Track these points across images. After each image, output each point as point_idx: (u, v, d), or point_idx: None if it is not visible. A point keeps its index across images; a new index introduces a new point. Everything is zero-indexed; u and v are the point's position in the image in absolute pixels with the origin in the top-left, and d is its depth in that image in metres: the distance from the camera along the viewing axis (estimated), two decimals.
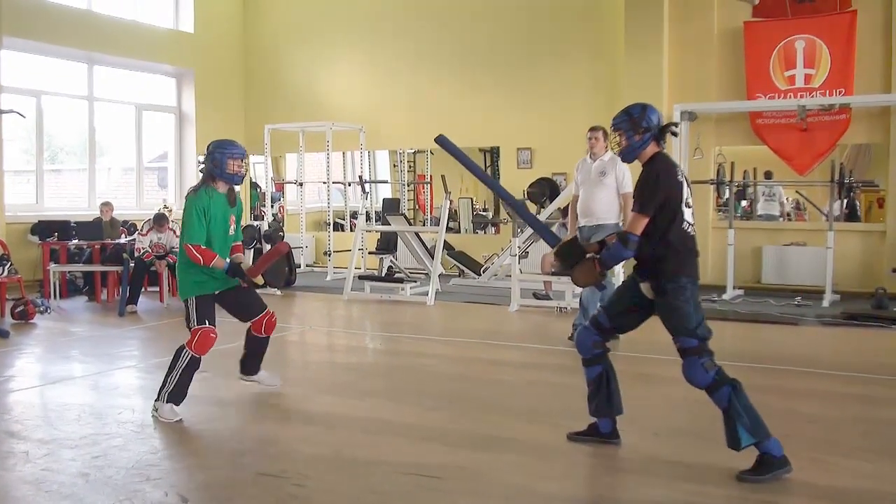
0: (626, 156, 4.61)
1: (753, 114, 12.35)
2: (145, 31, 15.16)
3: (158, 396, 5.47)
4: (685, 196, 4.47)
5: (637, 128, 4.51)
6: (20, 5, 13.00)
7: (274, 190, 16.49)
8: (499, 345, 8.21)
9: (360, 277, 12.18)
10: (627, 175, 7.72)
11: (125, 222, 13.32)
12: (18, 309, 9.61)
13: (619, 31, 13.12)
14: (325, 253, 14.76)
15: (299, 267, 14.58)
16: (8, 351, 8.11)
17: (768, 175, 13.74)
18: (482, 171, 5.49)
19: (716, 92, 12.57)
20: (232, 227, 5.75)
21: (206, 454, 4.91)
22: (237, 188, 5.85)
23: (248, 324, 6.02)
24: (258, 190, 17.24)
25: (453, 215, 15.73)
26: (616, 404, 4.83)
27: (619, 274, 9.00)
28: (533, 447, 4.86)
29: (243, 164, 5.59)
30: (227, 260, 5.66)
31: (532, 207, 13.05)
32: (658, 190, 4.39)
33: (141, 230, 11.28)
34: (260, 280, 5.98)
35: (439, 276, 11.81)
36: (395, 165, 17.90)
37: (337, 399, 6.16)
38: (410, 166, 17.88)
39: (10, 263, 9.97)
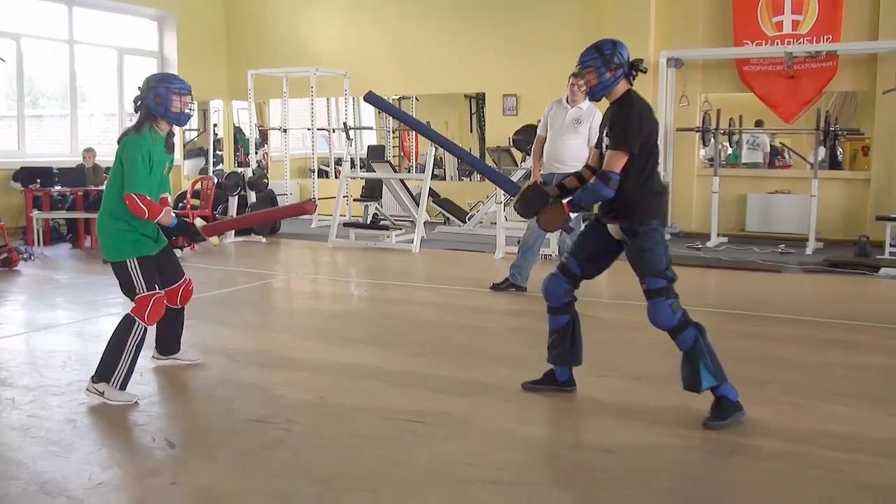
0: (596, 93, 4.45)
1: (740, 61, 12.30)
2: None
3: (106, 379, 4.68)
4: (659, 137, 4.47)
5: (609, 64, 4.34)
6: None
7: (258, 136, 16.36)
8: (483, 292, 8.24)
9: (345, 225, 12.17)
10: None
11: (108, 169, 13.18)
12: (2, 256, 9.55)
13: None
14: (310, 200, 14.69)
15: None
16: None
17: (759, 123, 13.72)
18: (421, 124, 5.38)
19: (703, 38, 12.49)
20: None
21: (193, 400, 4.93)
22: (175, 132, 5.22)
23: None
24: (243, 135, 17.12)
25: (438, 162, 15.68)
26: (577, 354, 4.80)
27: None
28: (516, 393, 4.90)
29: (189, 103, 4.90)
30: (174, 215, 4.98)
31: (517, 155, 13.04)
32: (642, 127, 4.32)
33: None
34: (215, 240, 5.61)
35: (424, 223, 11.80)
36: (379, 112, 17.78)
37: (322, 346, 6.19)
38: None
39: None
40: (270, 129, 17.22)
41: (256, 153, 15.54)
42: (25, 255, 10.00)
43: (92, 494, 3.50)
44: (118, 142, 4.89)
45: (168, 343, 5.47)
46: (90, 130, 15.73)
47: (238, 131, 17.31)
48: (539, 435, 4.30)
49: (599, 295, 7.50)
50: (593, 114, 7.64)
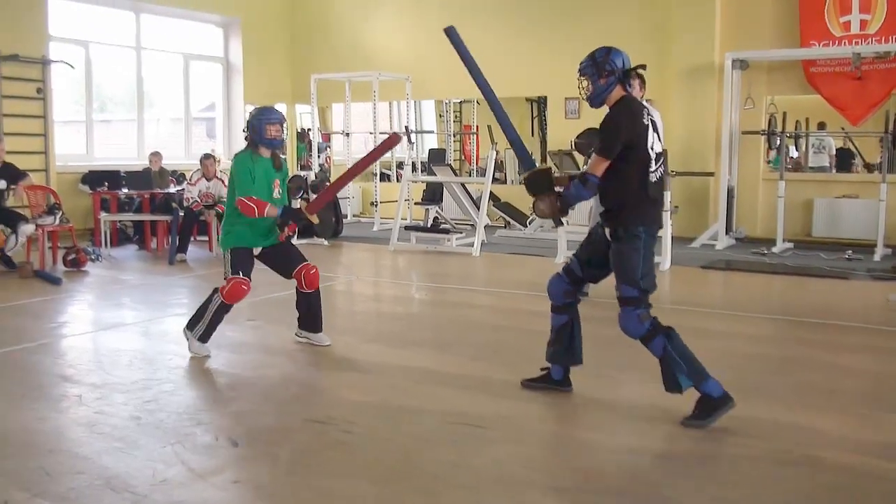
0: (593, 100, 4.55)
1: (807, 62, 12.06)
2: None
3: (191, 329, 5.85)
4: (651, 141, 4.43)
5: (601, 71, 4.44)
6: None
7: (320, 140, 16.52)
8: (543, 296, 8.08)
9: (407, 228, 12.22)
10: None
11: (174, 172, 13.45)
12: (70, 257, 9.79)
13: None
14: (372, 203, 14.80)
15: (346, 217, 14.66)
16: (60, 298, 8.29)
17: (822, 125, 13.44)
18: (484, 80, 5.42)
19: (769, 39, 12.27)
20: (276, 191, 5.94)
21: (255, 400, 4.99)
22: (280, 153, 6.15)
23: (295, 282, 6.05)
24: (305, 140, 17.28)
25: (499, 166, 15.66)
26: (576, 354, 4.86)
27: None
28: (574, 397, 4.88)
29: (281, 129, 5.89)
30: (279, 207, 5.85)
31: (580, 158, 12.95)
32: (619, 133, 4.36)
33: (190, 180, 11.37)
34: (316, 219, 6.06)
35: (485, 227, 11.79)
36: (440, 115, 17.84)
37: (383, 348, 6.22)
38: (456, 116, 17.79)
39: (61, 212, 10.13)
40: (333, 132, 17.36)
41: (319, 156, 15.68)
42: (93, 256, 10.22)
43: (156, 491, 3.56)
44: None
45: (306, 322, 6.17)
46: (157, 135, 16.03)
47: (299, 137, 17.45)
48: (598, 440, 4.27)
49: (662, 300, 7.40)
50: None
